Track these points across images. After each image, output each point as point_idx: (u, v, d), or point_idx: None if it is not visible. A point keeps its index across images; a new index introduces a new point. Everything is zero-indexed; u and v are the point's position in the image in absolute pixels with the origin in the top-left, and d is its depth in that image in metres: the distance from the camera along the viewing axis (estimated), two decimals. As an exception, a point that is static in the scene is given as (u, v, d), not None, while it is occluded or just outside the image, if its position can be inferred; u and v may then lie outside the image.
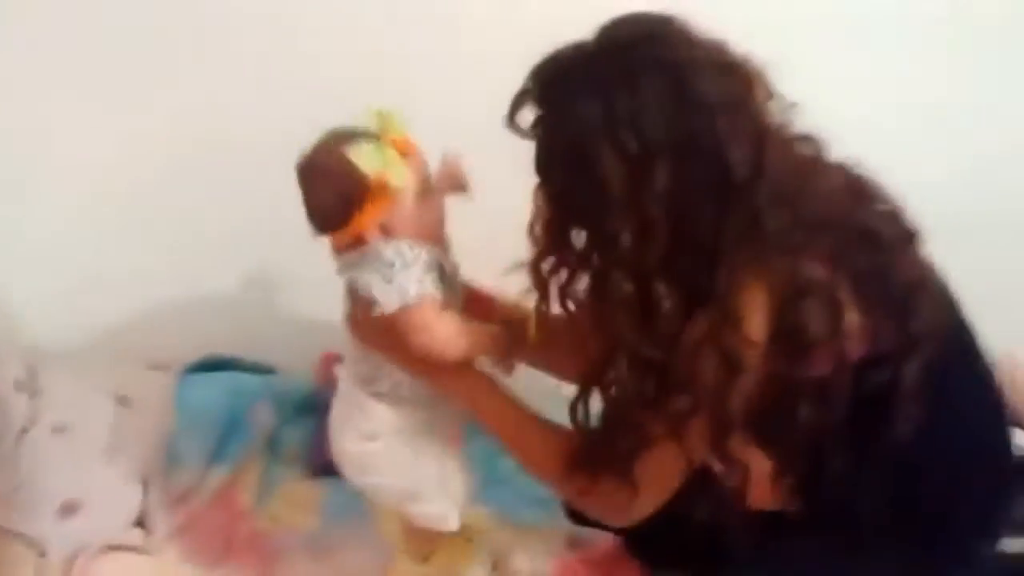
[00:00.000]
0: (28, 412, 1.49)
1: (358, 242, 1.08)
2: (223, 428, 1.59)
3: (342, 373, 1.26)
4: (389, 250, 1.06)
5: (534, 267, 1.04)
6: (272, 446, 1.63)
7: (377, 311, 1.07)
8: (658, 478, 1.03)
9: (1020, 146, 1.69)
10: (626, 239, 0.91)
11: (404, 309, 1.06)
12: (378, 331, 1.13)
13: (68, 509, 1.39)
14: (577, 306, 1.04)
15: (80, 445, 1.47)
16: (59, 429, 1.47)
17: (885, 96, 1.61)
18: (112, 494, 1.44)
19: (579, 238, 0.98)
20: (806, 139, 0.99)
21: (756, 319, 0.91)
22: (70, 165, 1.62)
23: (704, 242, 0.91)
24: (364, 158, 1.04)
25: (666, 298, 0.93)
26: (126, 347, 1.65)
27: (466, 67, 1.49)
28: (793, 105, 0.97)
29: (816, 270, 0.90)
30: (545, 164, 0.97)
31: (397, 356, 1.16)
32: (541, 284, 1.05)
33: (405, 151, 1.07)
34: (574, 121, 0.92)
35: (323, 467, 1.57)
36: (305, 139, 1.11)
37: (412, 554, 1.34)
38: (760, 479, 0.98)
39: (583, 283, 1.00)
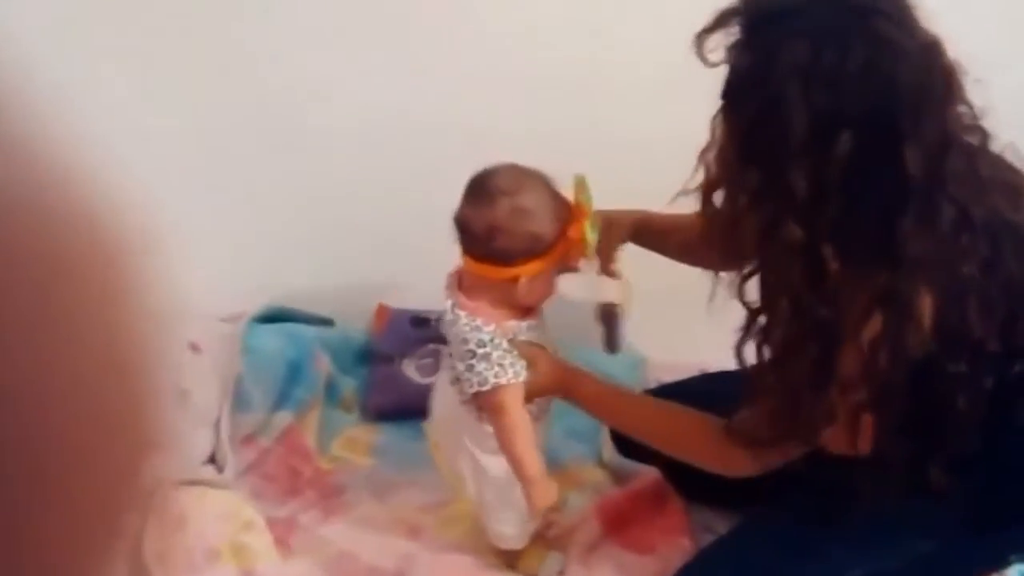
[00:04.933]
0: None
1: (499, 281, 1.12)
2: (286, 375, 1.66)
3: (444, 384, 1.28)
4: (472, 339, 1.12)
5: (705, 195, 1.03)
6: (330, 393, 1.70)
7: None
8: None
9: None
10: (801, 191, 0.90)
11: (480, 394, 1.14)
12: None
13: (145, 448, 1.47)
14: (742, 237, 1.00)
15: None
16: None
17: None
18: (185, 434, 1.50)
19: (753, 175, 0.96)
20: (975, 129, 0.97)
21: (926, 318, 0.93)
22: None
23: (876, 228, 0.91)
24: (588, 226, 1.09)
25: (833, 260, 0.92)
26: (194, 301, 1.71)
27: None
28: (979, 109, 0.95)
29: (975, 273, 0.93)
30: (735, 93, 0.96)
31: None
32: (709, 212, 1.03)
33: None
34: (777, 59, 0.90)
35: (376, 413, 1.68)
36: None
37: (499, 564, 1.39)
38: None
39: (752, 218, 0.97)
